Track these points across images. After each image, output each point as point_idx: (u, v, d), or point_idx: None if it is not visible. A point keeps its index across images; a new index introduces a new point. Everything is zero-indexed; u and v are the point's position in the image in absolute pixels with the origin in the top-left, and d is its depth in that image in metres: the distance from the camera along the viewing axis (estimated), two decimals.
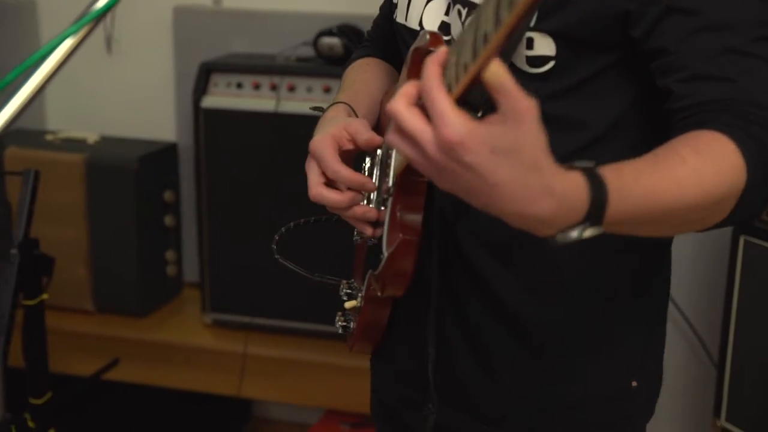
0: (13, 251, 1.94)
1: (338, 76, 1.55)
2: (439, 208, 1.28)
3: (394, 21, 1.38)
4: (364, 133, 1.27)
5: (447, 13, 1.27)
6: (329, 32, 2.80)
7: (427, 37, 1.16)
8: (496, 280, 1.28)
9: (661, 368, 1.39)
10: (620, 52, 1.17)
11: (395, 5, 1.37)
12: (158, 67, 3.22)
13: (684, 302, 2.68)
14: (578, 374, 1.31)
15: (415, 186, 1.22)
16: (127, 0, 1.21)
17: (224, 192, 2.88)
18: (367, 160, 1.36)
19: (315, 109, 1.42)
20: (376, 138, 1.28)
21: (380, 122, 1.42)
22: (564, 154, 0.94)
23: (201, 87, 2.85)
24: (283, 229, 1.51)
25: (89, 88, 3.26)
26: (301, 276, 1.46)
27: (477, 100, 0.92)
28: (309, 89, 2.79)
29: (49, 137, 3.10)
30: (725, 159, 1.03)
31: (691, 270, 2.72)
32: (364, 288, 1.37)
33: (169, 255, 3.13)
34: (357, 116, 1.36)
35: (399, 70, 1.41)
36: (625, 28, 1.14)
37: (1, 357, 1.27)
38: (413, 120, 0.90)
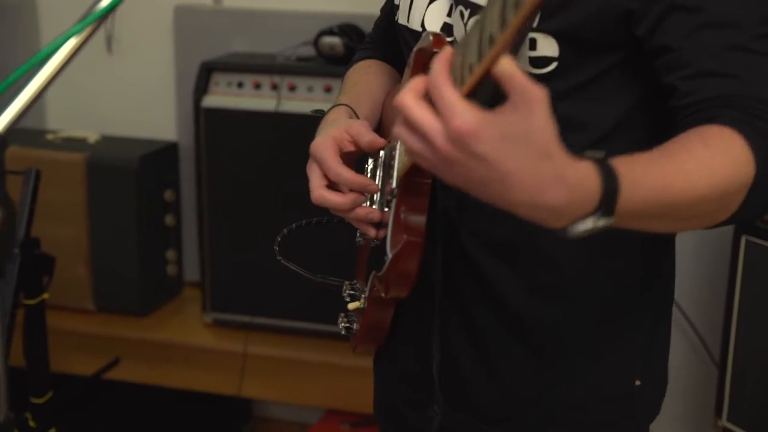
0: (14, 250, 1.94)
1: (339, 75, 1.55)
2: (443, 209, 1.28)
3: (395, 22, 1.37)
4: (366, 135, 1.27)
5: (449, 15, 1.26)
6: (330, 32, 2.80)
7: (430, 38, 1.16)
8: (500, 280, 1.27)
9: (666, 368, 1.39)
10: (623, 52, 1.17)
11: (397, 7, 1.36)
12: (159, 66, 3.21)
13: (685, 302, 2.67)
14: (579, 374, 1.31)
15: (419, 187, 1.22)
16: None
17: (225, 191, 2.87)
18: (369, 161, 1.36)
19: (316, 111, 1.42)
20: (379, 140, 1.28)
21: (382, 124, 1.41)
22: None
23: (202, 86, 2.84)
24: (285, 231, 1.50)
25: (90, 87, 3.25)
26: (304, 277, 1.46)
27: (481, 102, 0.91)
28: (310, 89, 2.79)
29: (49, 136, 3.09)
30: (733, 152, 1.03)
31: (692, 270, 2.71)
32: (367, 289, 1.36)
33: (170, 254, 3.12)
34: (358, 118, 1.36)
35: (400, 72, 1.41)
36: (628, 28, 1.14)
37: (4, 357, 1.26)
38: (422, 112, 0.89)
